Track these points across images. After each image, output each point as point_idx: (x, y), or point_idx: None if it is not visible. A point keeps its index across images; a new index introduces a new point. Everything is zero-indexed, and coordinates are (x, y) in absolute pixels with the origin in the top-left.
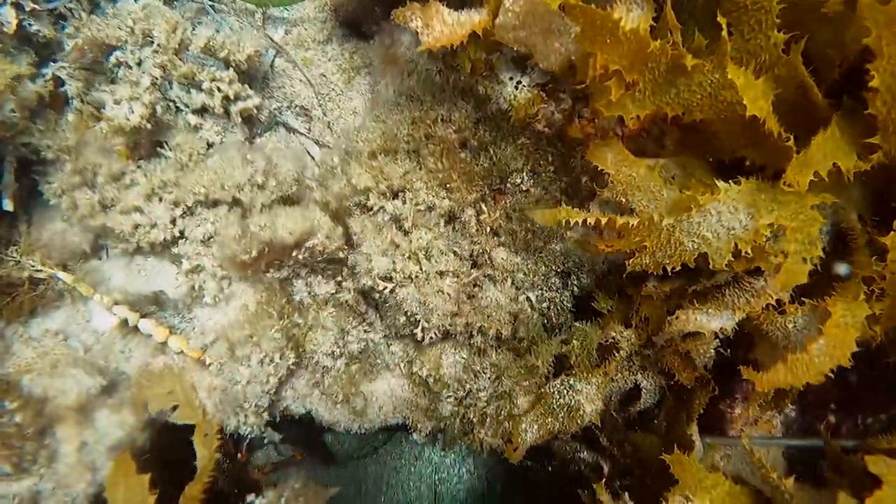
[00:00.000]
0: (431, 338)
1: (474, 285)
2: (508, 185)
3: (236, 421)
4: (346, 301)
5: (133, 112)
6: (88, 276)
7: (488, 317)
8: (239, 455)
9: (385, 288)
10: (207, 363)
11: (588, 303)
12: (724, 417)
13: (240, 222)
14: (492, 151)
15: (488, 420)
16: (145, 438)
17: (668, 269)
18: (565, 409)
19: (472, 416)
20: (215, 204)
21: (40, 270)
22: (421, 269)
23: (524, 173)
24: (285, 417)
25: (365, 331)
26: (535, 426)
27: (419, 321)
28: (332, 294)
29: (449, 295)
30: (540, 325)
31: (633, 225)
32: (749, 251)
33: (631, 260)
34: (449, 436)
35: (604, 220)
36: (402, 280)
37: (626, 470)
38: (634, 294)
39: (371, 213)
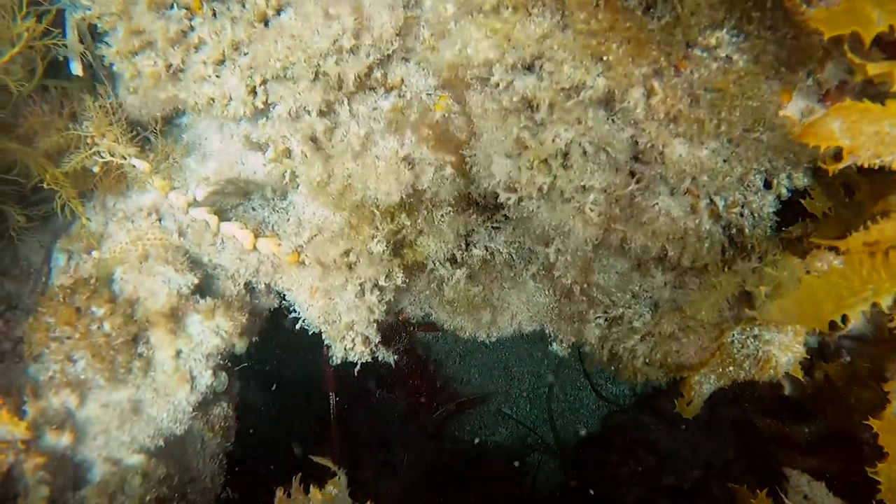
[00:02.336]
0: (567, 260)
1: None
2: (697, 50)
3: (342, 348)
4: (469, 194)
5: None
6: (184, 133)
7: (653, 233)
8: None
9: (508, 199)
10: (307, 263)
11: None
12: None
13: (322, 160)
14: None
15: (641, 357)
16: (244, 346)
17: None
18: (751, 359)
19: (621, 352)
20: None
21: (110, 159)
22: (555, 182)
23: (724, 31)
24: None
25: (493, 230)
26: (713, 377)
27: (552, 242)
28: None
29: (594, 217)
30: (720, 245)
31: None
32: None
33: None
34: (595, 359)
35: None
36: (531, 194)
37: (816, 401)
38: (865, 199)
39: (495, 89)
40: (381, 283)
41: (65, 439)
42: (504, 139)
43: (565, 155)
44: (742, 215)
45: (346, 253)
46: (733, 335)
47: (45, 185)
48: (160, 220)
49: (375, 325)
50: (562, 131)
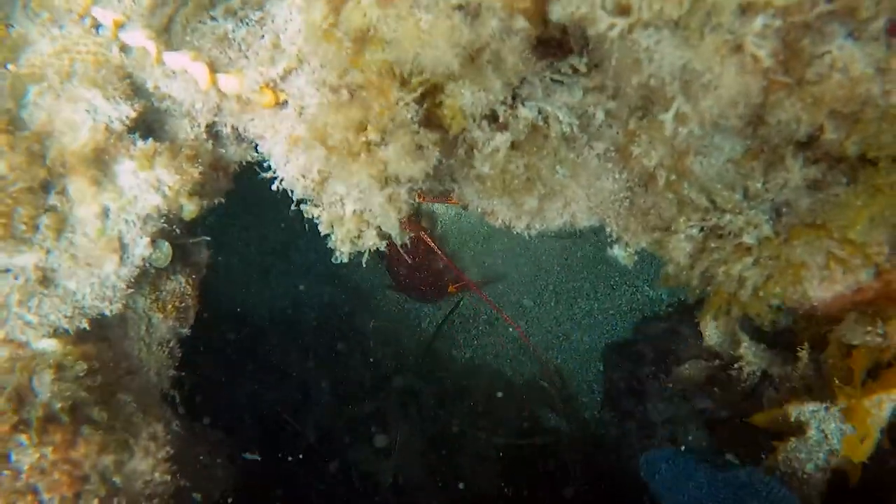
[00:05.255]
0: (692, 133)
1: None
2: None
3: (345, 235)
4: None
5: None
6: None
7: (814, 100)
8: None
9: (612, 28)
10: (287, 102)
11: None
12: None
13: None
14: None
15: (750, 288)
16: (194, 209)
17: None
18: None
19: (720, 277)
20: None
21: None
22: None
23: None
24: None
25: (553, 83)
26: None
27: (673, 102)
28: None
29: (762, 58)
30: None
31: None
32: None
33: None
34: (676, 276)
35: None
36: (658, 18)
37: None
38: None
39: None
40: (412, 172)
41: None
42: None
43: None
44: None
45: (362, 126)
46: None
47: None
48: (97, 28)
49: (399, 221)
50: None
